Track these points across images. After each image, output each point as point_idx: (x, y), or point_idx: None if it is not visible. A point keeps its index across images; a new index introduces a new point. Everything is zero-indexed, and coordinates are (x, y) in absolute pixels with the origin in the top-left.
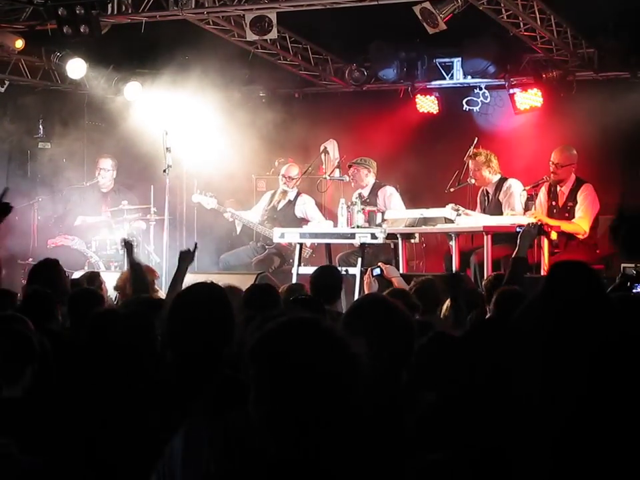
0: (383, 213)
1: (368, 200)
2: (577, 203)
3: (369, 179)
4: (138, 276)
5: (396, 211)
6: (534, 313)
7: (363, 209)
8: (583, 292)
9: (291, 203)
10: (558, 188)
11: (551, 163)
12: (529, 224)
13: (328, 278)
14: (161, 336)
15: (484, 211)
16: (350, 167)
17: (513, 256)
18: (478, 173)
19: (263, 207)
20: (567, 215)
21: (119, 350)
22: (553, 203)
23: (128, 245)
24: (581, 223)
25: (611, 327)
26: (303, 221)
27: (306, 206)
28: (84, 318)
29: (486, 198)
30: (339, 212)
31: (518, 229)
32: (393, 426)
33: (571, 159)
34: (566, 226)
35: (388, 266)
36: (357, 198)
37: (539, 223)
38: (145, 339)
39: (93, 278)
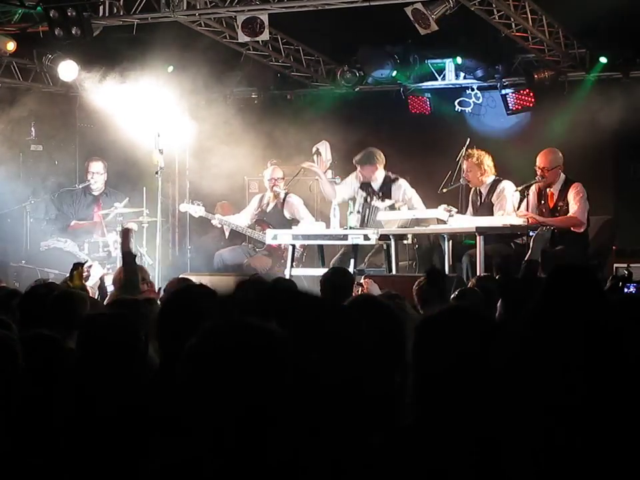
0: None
1: (380, 194)
2: (567, 202)
3: (379, 173)
4: (130, 267)
5: (389, 212)
6: (533, 316)
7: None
8: (583, 296)
9: (280, 205)
10: (547, 189)
11: (537, 168)
12: (541, 228)
13: (340, 278)
14: (145, 337)
15: (475, 211)
16: (357, 166)
17: (525, 258)
18: (470, 174)
19: (252, 210)
20: (557, 215)
21: (105, 351)
22: (542, 202)
23: (125, 232)
24: (576, 215)
25: (610, 330)
26: (293, 222)
27: (295, 206)
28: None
29: (478, 198)
30: (332, 213)
31: (531, 233)
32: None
33: (556, 160)
34: (560, 220)
35: (369, 280)
36: (362, 193)
37: (531, 222)
38: (130, 340)
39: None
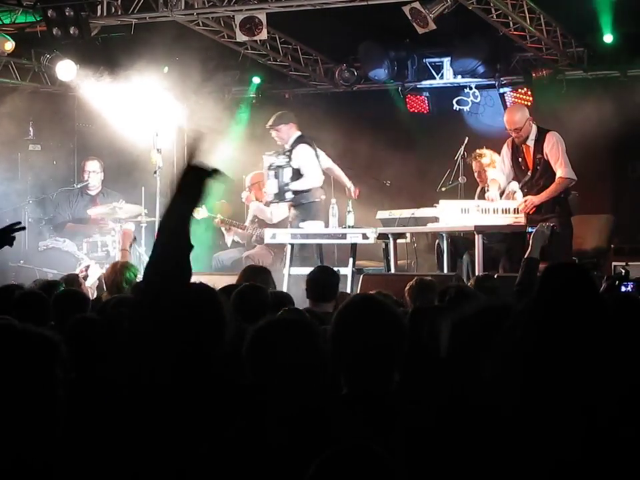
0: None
1: (287, 153)
2: (545, 154)
3: (292, 131)
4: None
5: (387, 211)
6: (524, 318)
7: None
8: (577, 297)
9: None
10: (522, 145)
11: (508, 130)
12: (540, 224)
13: (327, 277)
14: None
15: None
16: (270, 130)
17: (525, 257)
18: (483, 174)
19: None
20: (538, 169)
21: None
22: (520, 160)
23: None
24: (565, 175)
25: (606, 332)
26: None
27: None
28: (67, 319)
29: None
30: (330, 212)
31: (530, 229)
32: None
33: (525, 115)
34: (554, 190)
35: None
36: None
37: (528, 206)
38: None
39: (71, 281)
